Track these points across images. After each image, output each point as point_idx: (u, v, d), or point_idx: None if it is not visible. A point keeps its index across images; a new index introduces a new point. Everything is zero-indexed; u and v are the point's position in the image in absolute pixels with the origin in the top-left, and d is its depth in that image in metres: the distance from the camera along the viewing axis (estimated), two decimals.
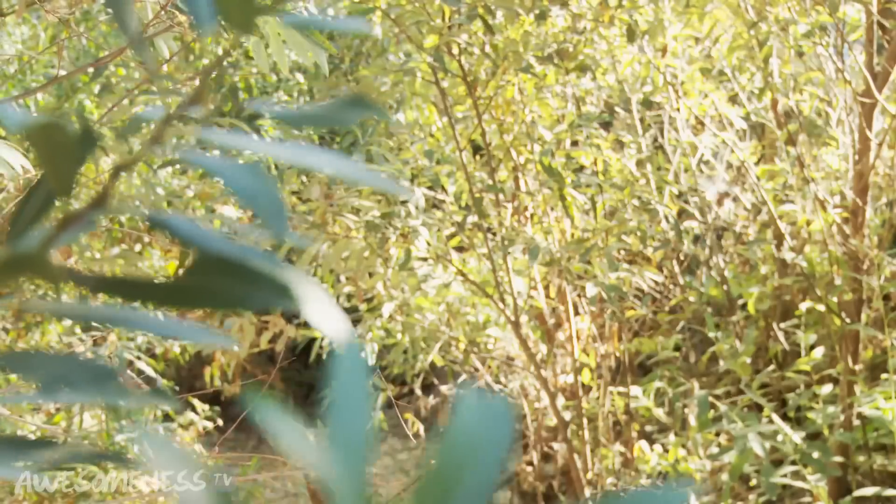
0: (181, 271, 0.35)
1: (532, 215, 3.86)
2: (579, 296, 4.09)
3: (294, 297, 0.35)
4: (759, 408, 3.72)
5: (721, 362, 3.98)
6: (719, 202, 4.76)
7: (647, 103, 4.11)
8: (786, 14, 3.63)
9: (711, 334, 3.83)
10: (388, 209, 3.54)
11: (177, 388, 5.03)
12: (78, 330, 3.90)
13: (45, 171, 0.34)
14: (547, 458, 4.58)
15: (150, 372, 4.34)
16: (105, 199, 0.35)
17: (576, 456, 3.78)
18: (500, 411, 0.38)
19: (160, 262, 4.46)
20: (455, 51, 3.28)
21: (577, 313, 4.13)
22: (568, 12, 3.45)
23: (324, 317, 0.36)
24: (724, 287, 4.36)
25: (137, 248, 4.54)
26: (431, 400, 4.69)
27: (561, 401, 3.96)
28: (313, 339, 4.36)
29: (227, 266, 0.35)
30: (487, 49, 3.36)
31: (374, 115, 0.37)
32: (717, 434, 3.91)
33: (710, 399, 3.83)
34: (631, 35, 3.48)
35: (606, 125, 4.40)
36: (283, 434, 0.38)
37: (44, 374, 0.35)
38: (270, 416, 0.38)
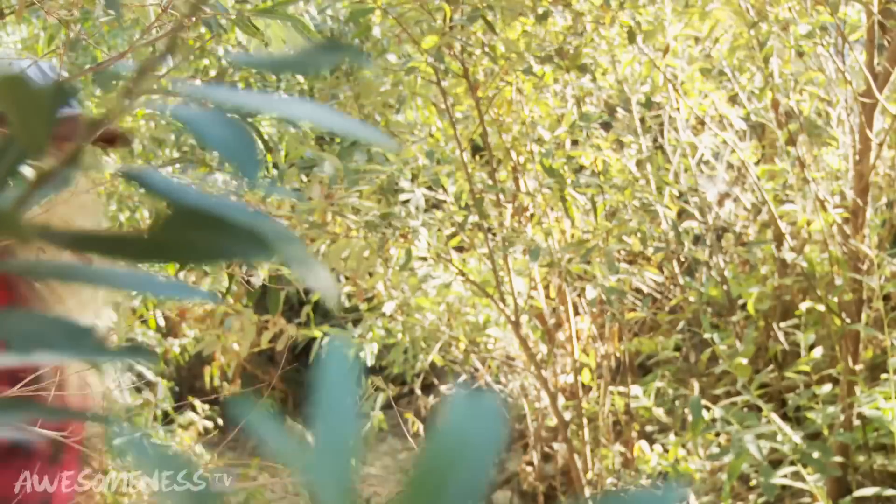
0: (155, 224, 0.34)
1: (532, 216, 3.85)
2: (579, 296, 4.09)
3: (274, 249, 0.35)
4: (759, 408, 3.71)
5: (721, 362, 3.98)
6: (720, 203, 4.76)
7: (647, 103, 4.11)
8: (786, 14, 3.63)
9: (707, 335, 3.82)
10: (388, 209, 3.54)
11: (177, 388, 5.03)
12: None
13: (14, 127, 0.34)
14: (547, 458, 4.57)
15: (149, 376, 4.34)
16: (79, 156, 0.35)
17: (576, 456, 3.77)
18: (492, 411, 0.37)
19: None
20: (457, 50, 3.28)
21: (577, 313, 4.13)
22: (569, 12, 3.45)
23: (307, 270, 0.36)
24: (724, 287, 4.36)
25: None
26: (431, 400, 4.69)
27: (561, 401, 3.95)
28: (313, 339, 4.36)
29: (204, 218, 0.34)
30: (488, 49, 3.36)
31: (349, 58, 0.37)
32: (718, 434, 3.91)
33: (709, 400, 3.83)
34: (631, 37, 3.48)
35: (606, 125, 4.40)
36: (271, 438, 0.38)
37: (16, 333, 0.34)
38: (259, 421, 0.38)
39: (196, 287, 0.39)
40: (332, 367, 0.36)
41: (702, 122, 4.30)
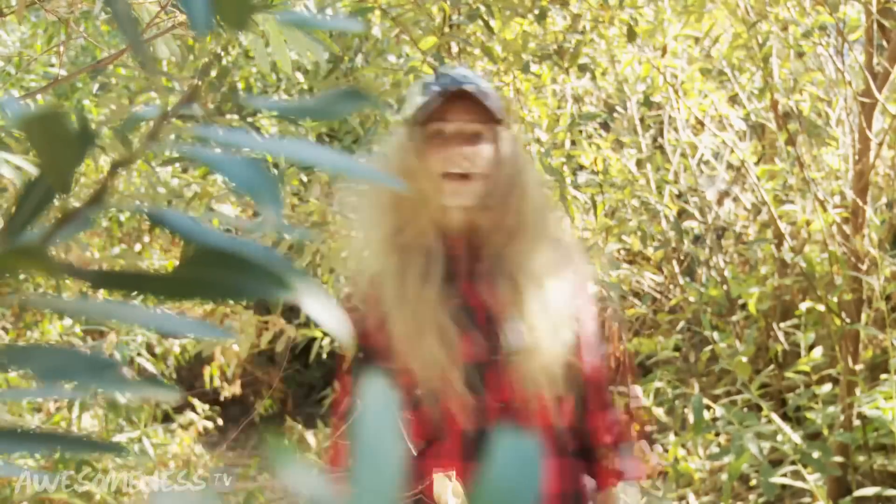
0: (179, 264, 0.35)
1: None
2: None
3: (290, 288, 0.35)
4: (759, 408, 3.72)
5: (720, 362, 3.99)
6: (719, 202, 4.77)
7: (647, 103, 4.11)
8: (786, 14, 3.63)
9: (708, 333, 3.83)
10: None
11: (177, 387, 5.04)
12: (78, 329, 3.91)
13: (42, 166, 0.35)
14: None
15: (152, 370, 4.34)
16: (103, 196, 0.36)
17: None
18: (532, 453, 0.38)
19: (160, 262, 4.46)
20: (454, 51, 3.28)
21: None
22: (568, 12, 3.45)
23: (320, 309, 0.36)
24: (724, 287, 4.36)
25: (137, 248, 4.55)
26: None
27: None
28: (313, 340, 4.36)
29: (224, 258, 0.35)
30: (486, 49, 3.36)
31: (370, 107, 0.37)
32: (717, 434, 3.91)
33: (708, 400, 3.83)
34: (631, 36, 3.48)
35: (606, 125, 4.41)
36: (305, 485, 0.37)
37: (42, 368, 0.35)
38: (291, 466, 0.38)
39: (215, 326, 0.40)
40: (372, 407, 0.36)
41: (701, 123, 4.30)
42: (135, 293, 0.36)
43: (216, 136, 0.35)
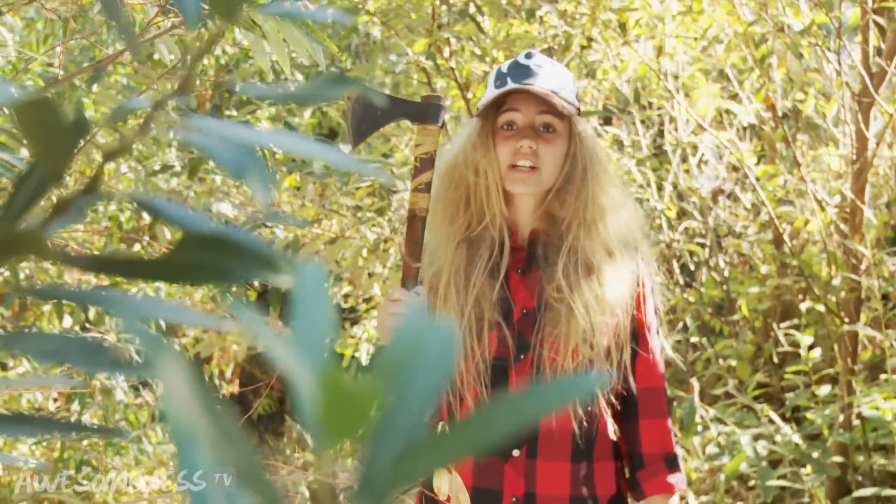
0: (170, 249, 0.36)
1: None
2: None
3: (280, 271, 0.36)
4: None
5: (720, 362, 3.99)
6: (714, 199, 4.77)
7: (636, 97, 4.11)
8: (782, 14, 3.63)
9: (695, 340, 3.83)
10: (382, 203, 3.55)
11: None
12: (77, 329, 3.91)
13: (36, 154, 0.35)
14: None
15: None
16: (96, 185, 0.36)
17: None
18: (443, 330, 0.39)
19: None
20: (446, 52, 3.29)
21: None
22: (558, 11, 3.46)
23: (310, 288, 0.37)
24: (724, 287, 4.36)
25: (137, 248, 4.55)
26: None
27: None
28: None
29: (214, 242, 0.35)
30: (478, 50, 3.37)
31: (357, 90, 0.38)
32: (718, 434, 3.92)
33: (708, 400, 3.83)
34: (622, 27, 3.48)
35: (609, 120, 4.41)
36: (255, 328, 0.39)
37: (38, 351, 0.36)
38: (245, 315, 0.39)
39: (207, 314, 0.41)
40: (307, 275, 0.38)
41: (701, 127, 4.31)
42: (126, 277, 0.36)
43: (209, 126, 0.36)
